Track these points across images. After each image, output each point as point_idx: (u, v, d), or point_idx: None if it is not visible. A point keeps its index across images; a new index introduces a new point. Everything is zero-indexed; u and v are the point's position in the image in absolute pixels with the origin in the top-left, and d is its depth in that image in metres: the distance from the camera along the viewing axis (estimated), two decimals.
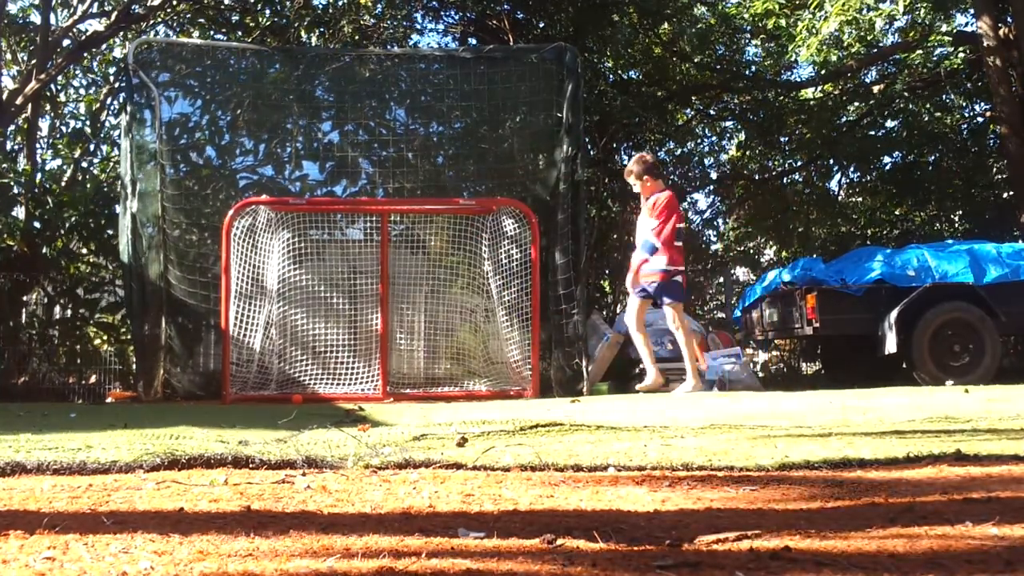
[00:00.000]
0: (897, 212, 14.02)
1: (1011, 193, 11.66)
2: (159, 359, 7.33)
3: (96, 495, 1.98)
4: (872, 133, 13.13)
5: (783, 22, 10.41)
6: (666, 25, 11.88)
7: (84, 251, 8.81)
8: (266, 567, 1.29)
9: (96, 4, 9.31)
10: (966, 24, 12.23)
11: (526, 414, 4.30)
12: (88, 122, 9.58)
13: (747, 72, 13.00)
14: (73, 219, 8.04)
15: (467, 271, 7.59)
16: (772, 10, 10.57)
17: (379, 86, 8.40)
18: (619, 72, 11.63)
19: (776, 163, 14.80)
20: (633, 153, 12.86)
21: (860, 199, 15.16)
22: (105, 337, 8.87)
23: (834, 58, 10.45)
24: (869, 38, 10.05)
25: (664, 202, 6.70)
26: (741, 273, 14.77)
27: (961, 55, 10.98)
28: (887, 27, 11.61)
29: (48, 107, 9.91)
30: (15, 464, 2.34)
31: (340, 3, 9.88)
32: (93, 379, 8.07)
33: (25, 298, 8.44)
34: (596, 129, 10.58)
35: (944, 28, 10.64)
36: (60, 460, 2.40)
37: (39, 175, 8.48)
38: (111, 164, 9.10)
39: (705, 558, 1.35)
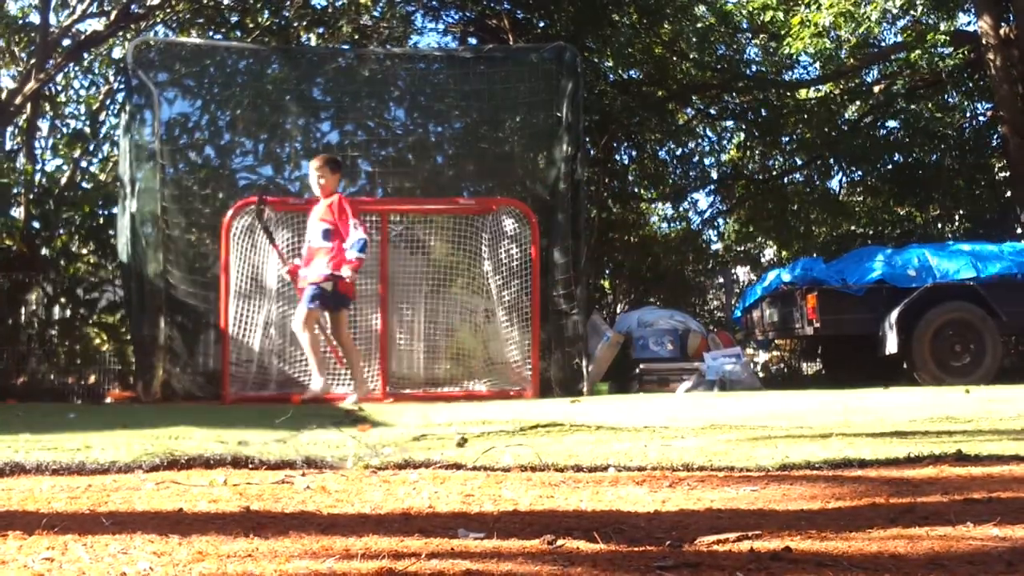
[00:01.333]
0: (898, 212, 14.01)
1: (1013, 192, 11.65)
2: (158, 359, 7.32)
3: (95, 495, 1.98)
4: (873, 133, 13.11)
5: (781, 15, 10.38)
6: (666, 25, 11.87)
7: (84, 251, 8.81)
8: (265, 568, 1.28)
9: (95, 4, 9.30)
10: (968, 23, 12.23)
11: (526, 414, 4.30)
12: (88, 122, 9.58)
13: (748, 72, 12.99)
14: (77, 220, 8.04)
15: (467, 271, 7.59)
16: (769, 4, 10.55)
17: (378, 86, 8.40)
18: (619, 72, 11.62)
19: (777, 163, 14.79)
20: (633, 153, 12.91)
21: (861, 199, 15.15)
22: (104, 337, 8.87)
23: (827, 43, 10.38)
24: (862, 29, 9.98)
25: (341, 205, 6.30)
26: (741, 273, 14.76)
27: (961, 55, 10.96)
28: (889, 25, 11.59)
29: (48, 107, 9.91)
30: (14, 464, 2.34)
31: (339, 3, 9.88)
32: (92, 379, 8.07)
33: (24, 298, 8.44)
34: (596, 129, 10.57)
35: (942, 27, 10.62)
36: (59, 460, 2.40)
37: (38, 175, 8.48)
38: (110, 164, 9.10)
39: (706, 559, 1.34)
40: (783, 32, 10.43)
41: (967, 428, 3.34)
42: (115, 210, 7.86)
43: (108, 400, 7.25)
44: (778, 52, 11.19)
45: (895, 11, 10.36)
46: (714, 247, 15.42)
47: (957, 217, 13.54)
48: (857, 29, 9.71)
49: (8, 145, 9.16)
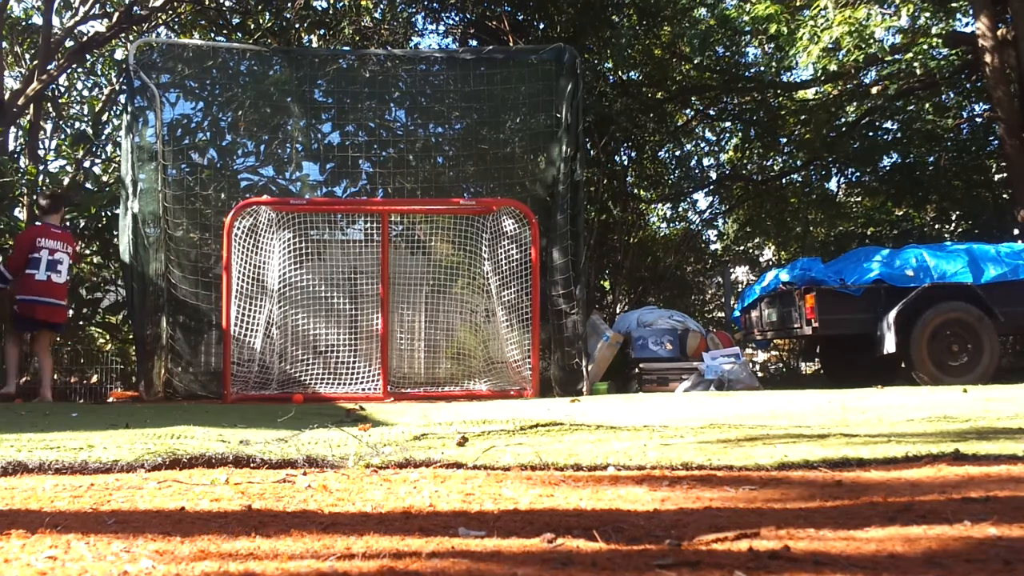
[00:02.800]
0: (896, 212, 14.04)
1: (1010, 193, 11.67)
2: (161, 359, 7.34)
3: (98, 494, 1.99)
4: (871, 134, 13.13)
5: (784, 28, 10.37)
6: (666, 27, 11.89)
7: (87, 251, 8.83)
8: (267, 566, 1.29)
9: (97, 5, 9.32)
10: (965, 24, 12.24)
11: (526, 414, 4.31)
12: (91, 123, 9.60)
13: (746, 73, 13.01)
14: (81, 221, 8.06)
15: (467, 271, 7.60)
16: (773, 15, 10.54)
17: (379, 87, 8.42)
18: (618, 73, 11.63)
19: (776, 163, 14.82)
20: (633, 154, 12.93)
21: (859, 199, 15.18)
22: (107, 337, 8.89)
23: (834, 67, 10.45)
24: (869, 50, 10.00)
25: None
26: (740, 273, 14.79)
27: (957, 55, 10.97)
28: (887, 32, 11.61)
29: (51, 108, 9.93)
30: (17, 463, 2.35)
31: (340, 5, 9.90)
32: (95, 379, 8.08)
33: None
34: (596, 130, 10.58)
35: (935, 29, 10.62)
36: (62, 459, 2.40)
37: (41, 176, 8.50)
38: (113, 165, 9.12)
39: (705, 557, 1.35)
40: (787, 45, 10.41)
41: (965, 428, 3.34)
42: (117, 210, 7.88)
43: (110, 399, 7.26)
44: (783, 62, 11.19)
45: (900, 23, 10.35)
46: (713, 247, 15.44)
47: (954, 217, 13.56)
48: (867, 48, 9.70)
49: (11, 146, 9.18)
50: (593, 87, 10.27)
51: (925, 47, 9.86)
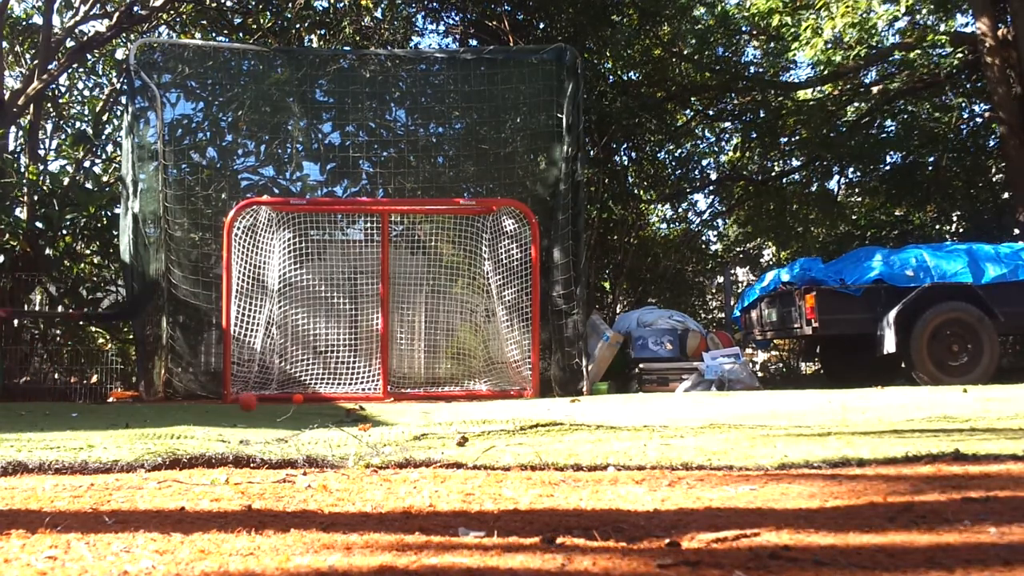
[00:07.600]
0: (896, 212, 14.03)
1: (1010, 193, 11.66)
2: (160, 359, 7.34)
3: (98, 494, 1.99)
4: (871, 134, 13.13)
5: (788, 19, 10.35)
6: (666, 26, 11.89)
7: (87, 251, 8.83)
8: (267, 566, 1.29)
9: (98, 5, 9.32)
10: (966, 24, 12.24)
11: (526, 414, 4.31)
12: (91, 123, 9.61)
13: (746, 73, 13.01)
14: (82, 221, 8.06)
15: (467, 271, 7.61)
16: (775, 8, 10.52)
17: (380, 87, 8.42)
18: (619, 73, 11.63)
19: (776, 164, 14.82)
20: (633, 154, 12.94)
21: (860, 199, 15.17)
22: (107, 337, 8.89)
23: (838, 58, 10.43)
24: (872, 40, 9.99)
25: None
26: (740, 273, 14.78)
27: (960, 55, 10.97)
28: (888, 28, 11.61)
29: (51, 108, 9.93)
30: (17, 463, 2.35)
31: (341, 5, 9.90)
32: (95, 379, 8.08)
33: (28, 298, 8.45)
34: (596, 129, 10.58)
35: (941, 28, 10.62)
36: (62, 459, 2.41)
37: (42, 176, 8.50)
38: (113, 165, 9.12)
39: (704, 557, 1.35)
40: (790, 38, 10.40)
41: (965, 427, 3.34)
42: (118, 210, 7.88)
43: (111, 399, 7.26)
44: (783, 56, 11.19)
45: (900, 14, 10.35)
46: (713, 247, 15.44)
47: (955, 217, 13.56)
48: (869, 40, 9.70)
49: (11, 146, 9.18)
50: (593, 87, 10.27)
51: (928, 47, 9.86)
